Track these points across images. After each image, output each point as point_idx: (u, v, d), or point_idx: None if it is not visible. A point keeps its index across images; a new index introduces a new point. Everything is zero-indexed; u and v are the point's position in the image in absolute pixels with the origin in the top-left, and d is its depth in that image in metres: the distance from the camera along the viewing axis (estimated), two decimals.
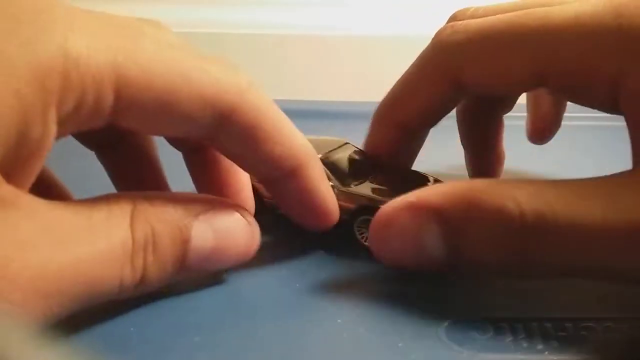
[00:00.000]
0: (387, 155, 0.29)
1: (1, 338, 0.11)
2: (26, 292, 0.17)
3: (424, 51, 0.27)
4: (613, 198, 0.20)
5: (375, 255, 0.23)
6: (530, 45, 0.23)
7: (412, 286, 0.23)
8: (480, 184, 0.22)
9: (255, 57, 0.65)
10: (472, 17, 0.28)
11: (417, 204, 0.22)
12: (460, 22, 0.26)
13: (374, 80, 0.42)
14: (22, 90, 0.17)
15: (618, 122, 0.23)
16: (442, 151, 0.34)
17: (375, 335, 0.20)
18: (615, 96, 0.22)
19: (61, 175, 0.26)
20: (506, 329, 0.20)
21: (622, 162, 0.22)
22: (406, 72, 0.28)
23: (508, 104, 0.32)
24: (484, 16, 0.27)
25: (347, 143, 0.30)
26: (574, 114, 0.35)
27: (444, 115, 0.28)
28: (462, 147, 0.33)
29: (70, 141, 0.23)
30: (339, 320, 0.21)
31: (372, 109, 0.31)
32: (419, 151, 0.30)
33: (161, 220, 0.20)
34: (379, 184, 0.27)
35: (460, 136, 0.32)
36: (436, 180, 0.28)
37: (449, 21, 0.29)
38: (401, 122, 0.28)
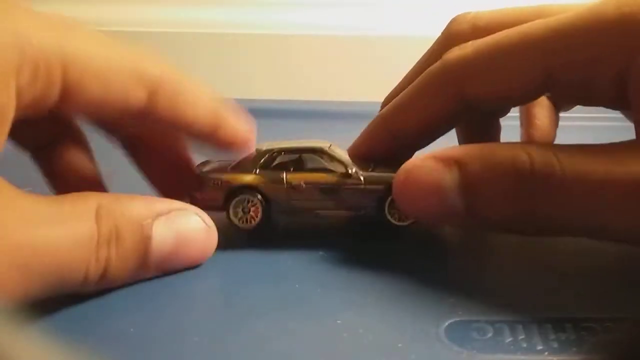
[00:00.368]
0: (373, 159, 0.29)
1: (1, 338, 0.11)
2: (2, 263, 0.19)
3: (431, 68, 0.27)
4: (617, 158, 0.22)
5: (398, 204, 0.25)
6: (539, 49, 0.24)
7: (412, 286, 0.23)
8: (496, 143, 0.23)
9: (255, 57, 0.65)
10: (473, 20, 0.28)
11: (439, 155, 0.24)
12: (469, 43, 0.26)
13: (374, 81, 0.42)
14: None
15: (618, 122, 0.23)
16: None
17: (375, 335, 0.20)
18: (621, 87, 0.23)
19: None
20: (506, 329, 0.20)
21: None
22: (411, 86, 0.28)
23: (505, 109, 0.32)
24: (485, 20, 0.28)
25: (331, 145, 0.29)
26: (574, 114, 0.35)
27: (442, 134, 0.28)
28: None
29: None
30: (338, 321, 0.21)
31: (372, 109, 0.31)
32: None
33: (125, 216, 0.22)
34: (388, 171, 0.27)
35: (458, 137, 0.32)
36: None
37: (449, 25, 0.30)
38: (400, 132, 0.28)
